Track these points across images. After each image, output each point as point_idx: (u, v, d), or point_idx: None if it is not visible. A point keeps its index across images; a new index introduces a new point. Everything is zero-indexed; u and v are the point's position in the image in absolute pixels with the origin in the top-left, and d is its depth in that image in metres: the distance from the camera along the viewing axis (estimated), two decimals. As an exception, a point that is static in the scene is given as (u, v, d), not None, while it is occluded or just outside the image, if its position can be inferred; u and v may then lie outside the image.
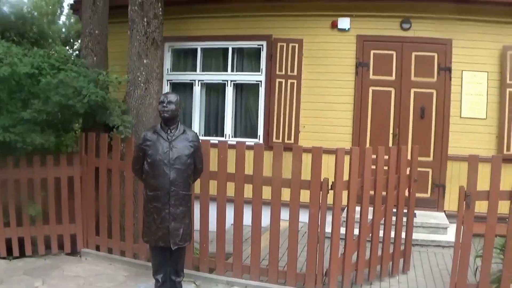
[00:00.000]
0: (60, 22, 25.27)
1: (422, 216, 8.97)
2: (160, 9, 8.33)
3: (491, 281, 6.19)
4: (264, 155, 6.73)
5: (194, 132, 6.14)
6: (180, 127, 5.93)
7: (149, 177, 5.81)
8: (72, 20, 26.03)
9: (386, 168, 6.79)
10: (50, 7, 24.05)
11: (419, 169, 7.62)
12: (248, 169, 6.79)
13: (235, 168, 6.78)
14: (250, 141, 8.21)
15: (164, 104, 5.77)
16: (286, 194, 6.59)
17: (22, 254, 7.64)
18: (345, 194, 6.50)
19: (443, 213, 9.68)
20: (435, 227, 8.94)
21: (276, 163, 6.60)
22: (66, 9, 25.17)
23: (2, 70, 6.86)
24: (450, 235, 8.74)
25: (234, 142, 7.06)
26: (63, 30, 24.30)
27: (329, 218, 6.52)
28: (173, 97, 5.86)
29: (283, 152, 6.61)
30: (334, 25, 10.11)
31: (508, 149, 9.44)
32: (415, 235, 7.82)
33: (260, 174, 6.67)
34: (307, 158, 6.55)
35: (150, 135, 5.86)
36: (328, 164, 6.65)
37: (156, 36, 8.25)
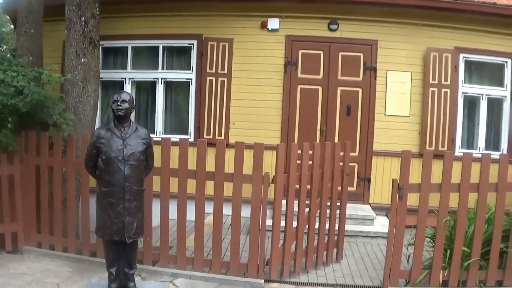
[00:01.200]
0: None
1: (349, 208, 9.27)
2: (97, 9, 8.48)
3: (423, 267, 6.77)
4: (209, 151, 7.10)
5: (146, 129, 6.37)
6: (133, 125, 6.17)
7: (104, 173, 6.00)
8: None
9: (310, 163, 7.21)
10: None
11: (345, 164, 8.14)
12: (193, 165, 7.10)
13: (178, 164, 7.08)
14: (182, 138, 8.35)
15: (118, 103, 6.00)
16: (229, 189, 6.96)
17: (-38, 254, 7.66)
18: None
19: (369, 205, 10.27)
20: (362, 218, 9.47)
21: (200, 158, 6.99)
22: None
23: None
24: (377, 226, 9.39)
25: (177, 139, 7.30)
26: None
27: (269, 212, 7.00)
28: (126, 96, 6.09)
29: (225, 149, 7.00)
30: (263, 25, 10.48)
31: (430, 145, 10.11)
32: (345, 226, 8.23)
33: (186, 168, 7.07)
34: (232, 154, 6.91)
35: (104, 132, 6.04)
36: (251, 159, 6.90)
37: (93, 35, 8.41)
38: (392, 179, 6.63)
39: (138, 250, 6.85)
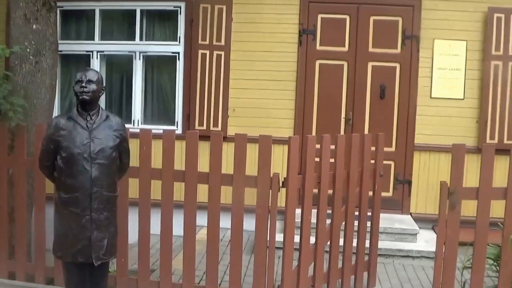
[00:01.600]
0: None
1: (384, 219, 9.24)
2: (52, -43, 8.46)
3: (485, 298, 6.67)
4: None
5: (119, 118, 6.22)
6: (102, 113, 5.98)
7: (64, 175, 5.82)
8: None
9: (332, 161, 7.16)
10: None
11: (379, 162, 8.09)
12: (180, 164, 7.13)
13: (162, 163, 7.06)
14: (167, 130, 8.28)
15: (83, 84, 5.79)
16: (228, 195, 6.94)
17: None
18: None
19: (409, 215, 10.25)
20: (401, 233, 9.46)
21: (190, 155, 6.97)
22: None
23: None
24: (420, 243, 9.37)
25: (161, 131, 7.28)
26: None
27: (279, 224, 6.97)
28: (93, 75, 5.91)
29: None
30: (271, -18, 10.47)
31: (492, 137, 9.99)
32: (378, 244, 8.13)
33: (172, 168, 7.05)
34: (231, 149, 6.88)
35: (64, 122, 5.85)
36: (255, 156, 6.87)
37: (48, -6, 8.38)
38: (441, 182, 6.50)
39: (110, 274, 6.77)
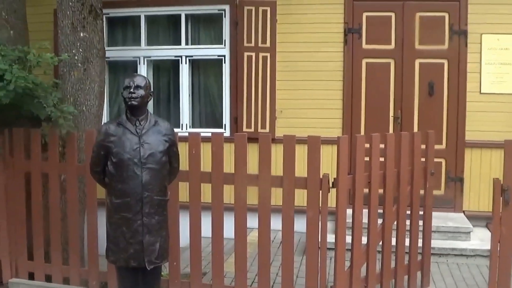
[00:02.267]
0: None
1: (436, 218, 9.19)
2: (97, -34, 8.54)
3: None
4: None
5: (168, 123, 6.27)
6: (151, 118, 6.06)
7: (115, 181, 5.90)
8: None
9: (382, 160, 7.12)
10: None
11: (430, 159, 8.03)
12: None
13: (211, 166, 7.08)
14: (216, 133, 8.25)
15: (131, 90, 5.85)
16: (278, 196, 6.94)
17: None
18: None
19: (462, 213, 10.15)
20: (454, 231, 9.37)
21: (239, 158, 6.97)
22: None
23: None
24: (474, 241, 9.26)
25: (209, 134, 7.25)
26: None
27: (330, 225, 6.95)
28: (141, 80, 5.98)
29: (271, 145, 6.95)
30: (316, -19, 10.44)
31: (545, 132, 9.82)
32: (431, 243, 8.03)
33: (222, 171, 7.08)
34: (280, 151, 6.83)
35: (114, 128, 5.93)
36: (305, 157, 6.81)
37: (94, 2, 8.42)
38: (494, 179, 6.49)
39: (162, 278, 6.84)
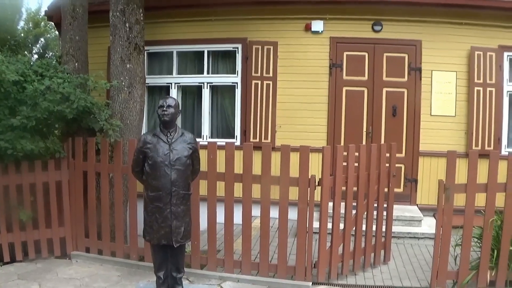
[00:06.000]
0: (19, 27, 25.06)
1: (396, 209, 9.17)
2: (142, 14, 8.55)
3: (470, 268, 6.64)
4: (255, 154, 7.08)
5: (192, 134, 6.35)
6: (179, 130, 6.16)
7: (151, 178, 6.00)
8: (30, 25, 25.92)
9: (356, 165, 7.11)
10: (9, 12, 23.90)
11: (392, 165, 8.01)
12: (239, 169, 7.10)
13: (225, 168, 7.08)
14: (229, 142, 8.24)
15: (164, 108, 5.98)
16: (276, 192, 6.87)
17: (13, 259, 7.74)
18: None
19: (416, 206, 10.09)
20: (410, 219, 9.32)
21: (246, 162, 6.98)
22: (24, 14, 25.15)
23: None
24: (424, 227, 9.24)
25: (224, 143, 7.32)
26: (22, 35, 24.15)
27: (316, 214, 6.91)
28: (172, 101, 6.07)
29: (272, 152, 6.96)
30: (308, 28, 10.38)
31: (476, 145, 9.86)
32: (392, 228, 8.08)
33: (233, 172, 7.08)
34: (278, 157, 6.85)
35: (150, 138, 6.05)
36: (297, 162, 6.84)
37: (138, 41, 8.48)
38: (438, 180, 6.52)
39: (186, 254, 6.85)
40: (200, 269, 7.33)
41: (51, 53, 23.17)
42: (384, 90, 10.27)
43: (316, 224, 6.87)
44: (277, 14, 10.51)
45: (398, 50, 10.20)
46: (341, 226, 7.06)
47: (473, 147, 9.80)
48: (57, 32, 14.83)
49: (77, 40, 8.73)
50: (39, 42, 26.73)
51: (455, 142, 9.92)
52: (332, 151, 7.00)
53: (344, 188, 6.95)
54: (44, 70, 7.89)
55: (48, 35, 26.80)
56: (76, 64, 8.68)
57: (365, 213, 7.34)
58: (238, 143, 10.55)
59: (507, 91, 10.07)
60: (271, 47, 10.50)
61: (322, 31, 10.39)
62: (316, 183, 6.77)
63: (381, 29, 10.20)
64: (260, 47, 10.54)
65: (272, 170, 6.91)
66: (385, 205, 7.63)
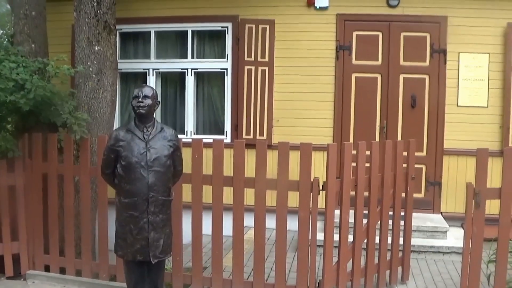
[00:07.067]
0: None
1: (416, 219, 9.22)
2: (112, -15, 8.55)
3: (508, 288, 6.60)
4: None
5: (173, 130, 6.28)
6: (157, 125, 6.08)
7: (124, 182, 5.91)
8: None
9: (368, 165, 7.14)
10: None
11: (411, 165, 8.02)
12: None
13: (212, 170, 7.09)
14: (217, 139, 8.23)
15: (139, 99, 5.89)
16: (273, 198, 6.94)
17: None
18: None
19: (440, 214, 10.13)
20: (432, 231, 9.33)
21: (238, 162, 6.99)
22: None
23: None
24: (450, 240, 9.24)
25: (211, 140, 7.28)
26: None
27: (320, 224, 6.94)
28: (148, 91, 6.00)
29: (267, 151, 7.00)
30: (310, 3, 10.40)
31: (514, 141, 9.84)
32: (411, 241, 8.04)
33: (222, 174, 7.09)
34: (275, 156, 6.87)
35: (123, 134, 5.96)
36: (298, 162, 6.85)
37: (108, 18, 8.45)
38: (467, 183, 6.48)
39: (166, 271, 6.85)
40: (183, 290, 7.35)
41: (1, 32, 22.95)
42: (401, 76, 10.31)
43: (320, 236, 6.90)
44: (275, -14, 10.53)
45: (418, 29, 10.20)
46: (350, 238, 7.07)
47: (510, 144, 9.81)
48: (8, 6, 14.68)
49: (34, 16, 8.63)
50: (-14, 17, 26.50)
51: (487, 138, 9.90)
52: (339, 149, 7.01)
53: (353, 193, 6.95)
54: (-8, 52, 7.76)
55: (-1, 10, 26.56)
56: (33, 45, 8.59)
57: (379, 222, 7.36)
58: (228, 140, 10.59)
59: (551, 77, 10.06)
60: (267, 27, 10.52)
61: (327, 7, 10.41)
62: (320, 187, 6.78)
63: (398, 3, 10.21)
64: (254, 26, 10.56)
65: (268, 171, 6.94)
66: (402, 213, 7.63)
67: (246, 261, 7.30)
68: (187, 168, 6.86)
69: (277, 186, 6.85)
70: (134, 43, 11.45)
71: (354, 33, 10.40)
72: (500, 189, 6.40)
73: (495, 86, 10.03)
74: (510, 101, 9.89)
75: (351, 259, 7.08)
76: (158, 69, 11.20)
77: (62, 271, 7.94)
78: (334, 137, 10.42)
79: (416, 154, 8.33)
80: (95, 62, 8.36)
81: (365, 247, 7.25)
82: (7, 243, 7.90)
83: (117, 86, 9.24)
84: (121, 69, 10.39)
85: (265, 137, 10.45)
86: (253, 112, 10.60)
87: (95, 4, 8.32)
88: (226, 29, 10.81)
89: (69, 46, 10.47)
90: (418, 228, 9.22)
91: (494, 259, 6.54)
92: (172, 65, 11.17)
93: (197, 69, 11.05)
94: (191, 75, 11.02)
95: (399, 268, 7.78)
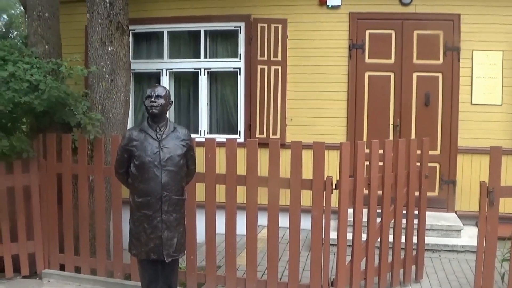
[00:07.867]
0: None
1: (430, 217, 9.26)
2: (125, -13, 8.58)
3: (522, 287, 6.60)
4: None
5: (186, 129, 6.29)
6: (170, 124, 6.09)
7: (137, 181, 5.92)
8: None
9: (381, 164, 7.15)
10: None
11: (425, 164, 8.00)
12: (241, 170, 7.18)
13: (225, 169, 7.11)
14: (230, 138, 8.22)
15: (152, 99, 5.90)
16: (286, 197, 6.95)
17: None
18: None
19: (454, 213, 10.11)
20: (447, 229, 9.34)
21: (251, 162, 7.03)
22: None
23: None
24: (464, 238, 9.24)
25: (224, 140, 7.31)
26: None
27: (333, 223, 6.97)
28: (161, 90, 6.01)
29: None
30: (322, 2, 10.41)
31: (528, 139, 9.78)
32: (425, 239, 8.03)
33: (235, 173, 7.10)
34: (288, 155, 6.90)
35: (137, 134, 5.98)
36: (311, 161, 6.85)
37: (121, 19, 8.49)
38: (480, 182, 6.50)
39: (180, 270, 6.86)
40: (198, 288, 7.38)
41: (15, 33, 23.04)
42: (415, 75, 10.30)
43: (333, 235, 6.95)
44: (287, -14, 10.53)
45: (431, 27, 10.19)
46: (364, 236, 7.09)
47: (524, 142, 9.77)
48: (22, 8, 14.78)
49: (47, 17, 8.70)
50: (1, 19, 26.56)
51: (501, 137, 9.88)
52: (352, 148, 7.02)
53: (366, 191, 6.98)
54: (7, 54, 7.77)
55: (12, 11, 26.57)
56: (47, 46, 8.67)
57: (392, 221, 7.38)
58: (241, 139, 10.62)
59: None
60: (280, 26, 10.54)
61: (340, 5, 10.41)
62: (333, 186, 6.79)
63: (411, 1, 10.19)
64: (266, 25, 10.58)
65: (281, 170, 6.97)
66: (416, 212, 7.63)
67: (260, 260, 7.34)
68: (200, 167, 6.89)
69: (290, 185, 6.86)
70: (147, 43, 11.49)
71: (367, 32, 10.41)
72: (514, 187, 6.37)
73: (509, 84, 9.98)
74: (525, 99, 9.85)
75: (365, 258, 7.11)
76: (171, 69, 11.24)
77: (77, 270, 7.98)
78: (348, 135, 10.42)
79: (430, 152, 8.36)
80: (108, 62, 8.39)
81: (379, 246, 7.27)
82: (23, 243, 7.93)
83: (131, 86, 9.28)
84: (134, 70, 10.44)
85: (278, 136, 10.47)
86: (266, 111, 10.62)
87: (108, 5, 8.35)
88: (239, 28, 10.84)
89: (82, 46, 10.53)
90: (432, 227, 9.22)
91: (508, 257, 6.57)
92: (185, 65, 11.21)
93: (210, 68, 11.08)
94: (204, 74, 11.06)
95: (413, 267, 7.78)
